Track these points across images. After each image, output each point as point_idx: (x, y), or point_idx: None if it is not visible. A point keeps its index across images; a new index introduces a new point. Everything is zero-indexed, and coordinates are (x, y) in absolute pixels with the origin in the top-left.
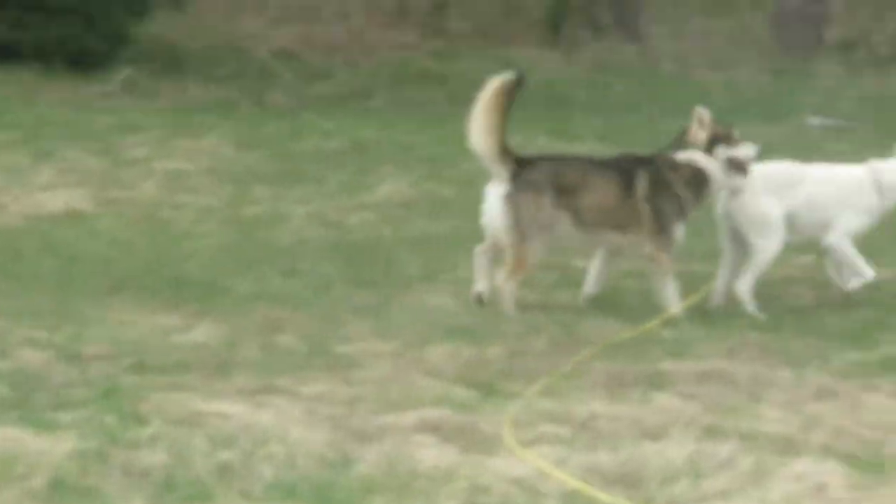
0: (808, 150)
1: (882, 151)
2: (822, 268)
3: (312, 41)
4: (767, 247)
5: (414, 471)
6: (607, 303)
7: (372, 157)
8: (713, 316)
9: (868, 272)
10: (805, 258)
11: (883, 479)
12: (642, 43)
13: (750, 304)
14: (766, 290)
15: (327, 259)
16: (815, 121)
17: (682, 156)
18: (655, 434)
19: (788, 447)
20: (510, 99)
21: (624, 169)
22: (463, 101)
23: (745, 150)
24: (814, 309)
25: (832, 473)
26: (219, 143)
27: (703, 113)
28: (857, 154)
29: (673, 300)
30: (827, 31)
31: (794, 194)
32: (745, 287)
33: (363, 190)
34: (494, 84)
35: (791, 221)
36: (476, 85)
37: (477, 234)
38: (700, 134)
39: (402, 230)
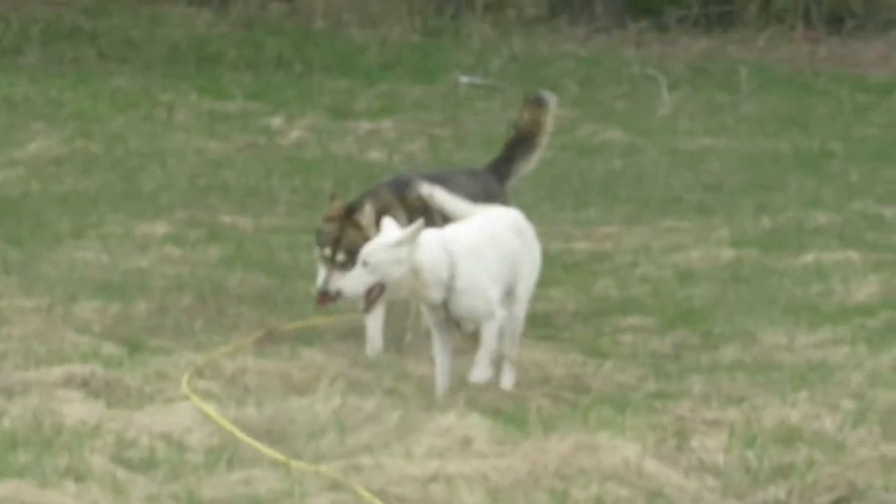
0: (458, 107)
1: None
2: None
3: None
4: None
5: (60, 425)
6: (254, 259)
7: (22, 113)
8: None
9: None
10: None
11: (525, 433)
12: (293, 0)
13: None
14: None
15: None
16: (465, 79)
17: None
18: (302, 389)
19: (434, 402)
20: None
21: None
22: (113, 58)
23: None
24: None
25: (477, 428)
26: None
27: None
28: (503, 112)
29: None
30: None
31: None
32: None
33: (12, 146)
34: None
35: None
36: (128, 42)
37: (126, 190)
38: None
39: (51, 186)
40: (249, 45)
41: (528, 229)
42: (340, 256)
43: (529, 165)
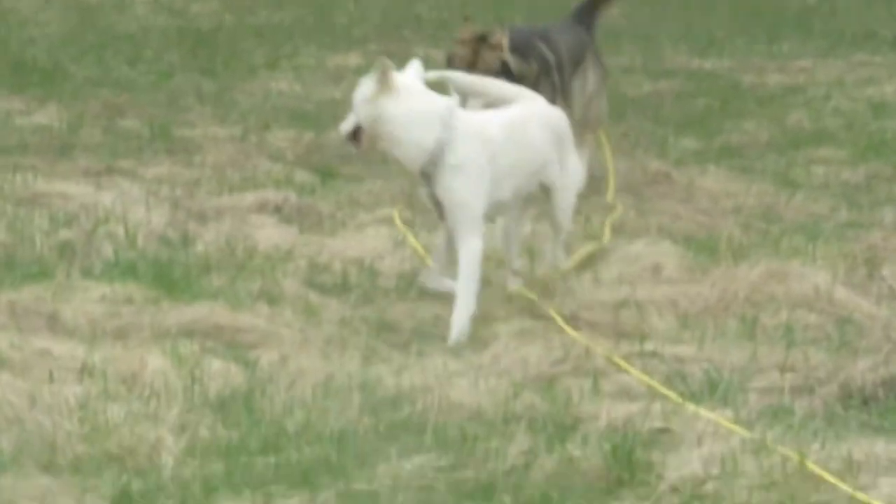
0: None
1: None
2: None
3: None
4: None
5: (253, 249)
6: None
7: None
8: None
9: None
10: None
11: (716, 261)
12: None
13: None
14: None
15: (171, 46)
16: None
17: None
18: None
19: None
20: None
21: None
22: None
23: None
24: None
25: (667, 255)
26: None
27: None
28: None
29: None
30: None
31: None
32: None
33: None
34: None
35: None
36: None
37: (320, 24)
38: None
39: (245, 19)
40: None
41: (566, 132)
42: None
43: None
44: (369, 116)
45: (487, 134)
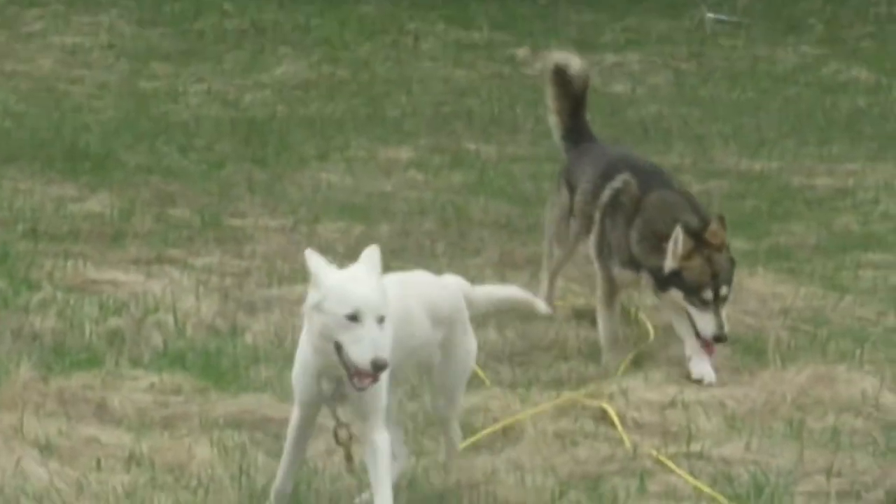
0: (703, 43)
1: (772, 48)
2: None
3: None
4: None
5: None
6: (497, 186)
7: (270, 39)
8: None
9: None
10: None
11: (763, 363)
12: None
13: None
14: None
15: (223, 136)
16: (711, 15)
17: None
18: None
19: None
20: None
21: None
22: None
23: None
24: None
25: (715, 355)
26: (118, 19)
27: None
28: (748, 49)
29: None
30: None
31: None
32: None
33: (260, 70)
34: None
35: None
36: None
37: (371, 116)
38: None
39: (297, 110)
40: None
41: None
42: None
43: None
44: None
45: None
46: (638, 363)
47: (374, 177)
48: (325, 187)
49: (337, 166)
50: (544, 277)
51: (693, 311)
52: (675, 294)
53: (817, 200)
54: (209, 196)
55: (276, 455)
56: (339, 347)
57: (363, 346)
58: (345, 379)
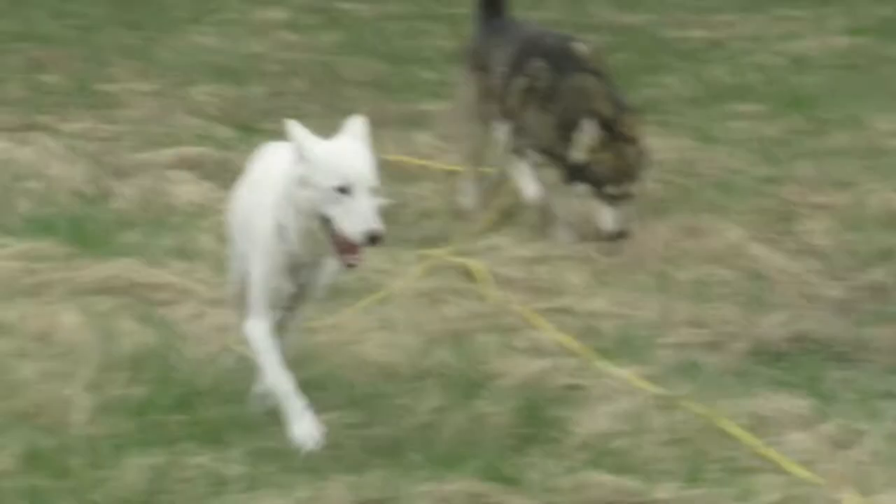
0: None
1: None
2: None
3: None
4: None
5: (170, 205)
6: (370, 45)
7: None
8: None
9: None
10: None
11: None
12: None
13: None
14: None
15: (96, 1)
16: None
17: None
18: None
19: None
20: None
21: None
22: None
23: None
24: None
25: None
26: None
27: None
28: None
29: None
30: None
31: None
32: None
33: None
34: None
35: None
36: None
37: None
38: None
39: None
40: None
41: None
42: None
43: None
44: None
45: None
46: (508, 219)
47: (247, 38)
48: (197, 50)
49: (210, 29)
50: (468, 166)
51: (595, 204)
52: (581, 188)
53: (690, 52)
54: (81, 62)
55: (143, 320)
56: (325, 223)
57: (357, 219)
58: (327, 258)
